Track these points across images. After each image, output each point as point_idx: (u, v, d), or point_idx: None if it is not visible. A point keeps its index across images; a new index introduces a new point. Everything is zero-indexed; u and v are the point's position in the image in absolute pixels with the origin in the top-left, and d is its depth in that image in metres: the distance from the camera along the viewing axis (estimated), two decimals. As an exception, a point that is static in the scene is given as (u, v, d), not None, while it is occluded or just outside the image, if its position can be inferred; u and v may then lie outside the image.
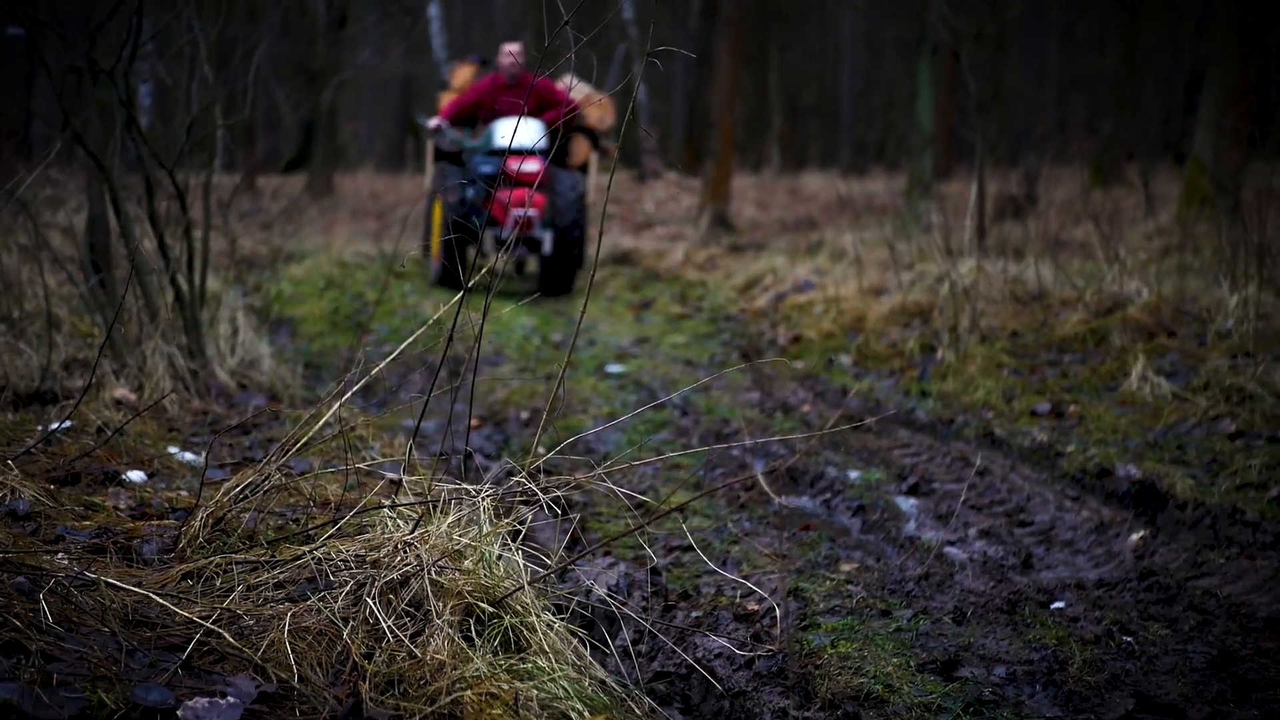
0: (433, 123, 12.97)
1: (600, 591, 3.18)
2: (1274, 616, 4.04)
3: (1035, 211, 13.17)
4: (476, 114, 12.96)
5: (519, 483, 3.21)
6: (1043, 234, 11.33)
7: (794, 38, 34.61)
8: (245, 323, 7.89)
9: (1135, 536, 4.92)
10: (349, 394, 4.66)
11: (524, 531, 4.94)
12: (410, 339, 4.06)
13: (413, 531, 3.26)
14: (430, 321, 6.03)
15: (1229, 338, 7.57)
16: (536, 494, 3.19)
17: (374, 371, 4.84)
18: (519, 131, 10.93)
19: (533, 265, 14.26)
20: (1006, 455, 6.31)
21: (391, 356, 4.20)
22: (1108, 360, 7.62)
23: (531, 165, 11.58)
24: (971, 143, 12.09)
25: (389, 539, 3.21)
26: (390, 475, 4.48)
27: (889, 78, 30.29)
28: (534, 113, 12.61)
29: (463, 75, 14.60)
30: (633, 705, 2.93)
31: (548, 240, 11.96)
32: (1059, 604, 4.19)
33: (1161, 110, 21.05)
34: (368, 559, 3.17)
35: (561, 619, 3.07)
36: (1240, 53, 13.53)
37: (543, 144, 11.53)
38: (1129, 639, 3.85)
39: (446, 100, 13.59)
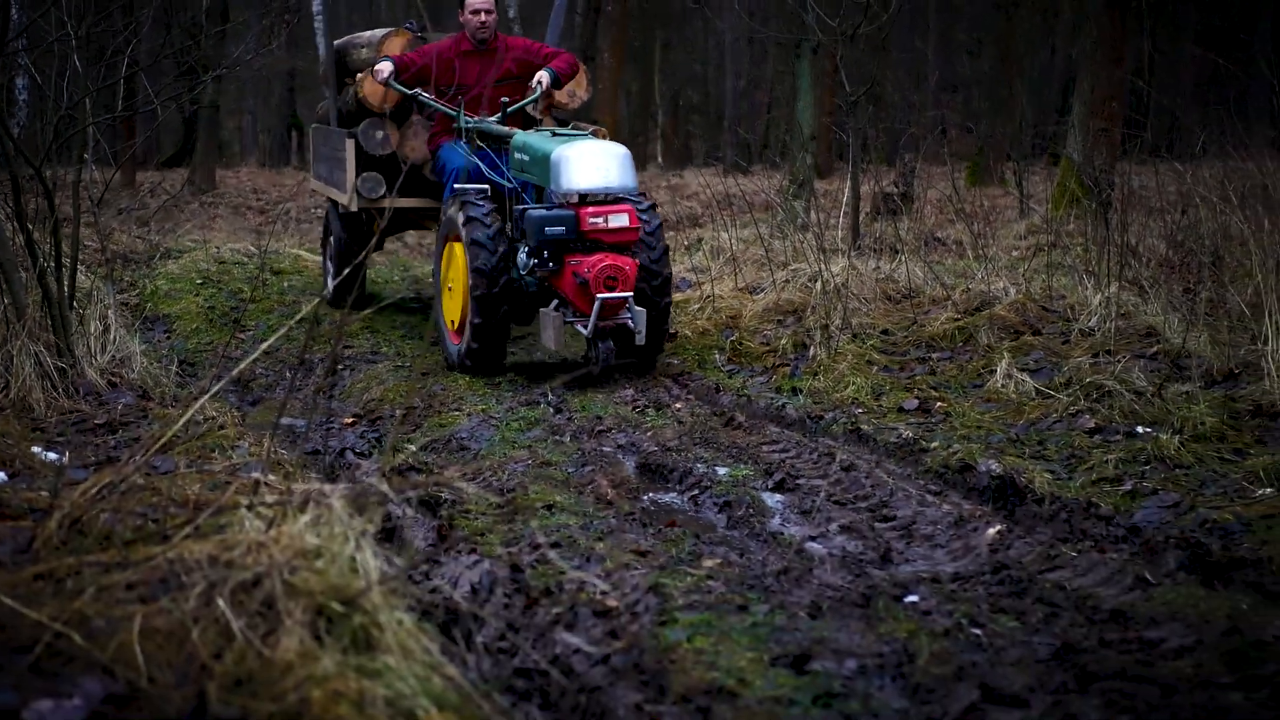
0: (383, 68, 9.30)
1: (449, 591, 3.20)
2: (1119, 608, 4.15)
3: (910, 210, 13.34)
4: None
5: (373, 483, 3.23)
6: (916, 232, 11.48)
7: (678, 37, 34.76)
8: (117, 320, 7.83)
9: (992, 531, 5.02)
10: (211, 392, 4.65)
11: (394, 530, 4.97)
12: (275, 336, 4.06)
13: (267, 531, 3.28)
14: (299, 318, 6.01)
15: (1092, 335, 7.73)
16: (389, 495, 3.21)
17: (238, 369, 4.83)
18: (600, 157, 8.07)
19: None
20: (873, 451, 6.41)
21: (253, 355, 4.21)
22: (975, 358, 7.75)
23: (622, 219, 8.00)
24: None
25: (243, 539, 3.22)
26: (254, 474, 4.47)
27: (771, 77, 30.50)
28: (511, 85, 9.58)
29: (393, 48, 10.00)
30: (482, 703, 2.96)
31: (642, 322, 7.89)
32: (913, 597, 4.27)
33: (1037, 112, 21.38)
34: (221, 559, 3.17)
35: (414, 617, 3.10)
36: (1110, 56, 13.78)
37: (626, 175, 8.14)
38: (978, 631, 3.94)
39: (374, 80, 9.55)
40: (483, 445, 6.75)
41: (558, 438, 6.78)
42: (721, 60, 37.38)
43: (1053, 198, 13.09)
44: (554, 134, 8.50)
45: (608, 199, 8.10)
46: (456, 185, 8.80)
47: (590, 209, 7.95)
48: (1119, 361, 6.93)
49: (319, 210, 19.83)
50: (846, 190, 12.18)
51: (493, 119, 9.24)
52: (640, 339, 7.90)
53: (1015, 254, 11.71)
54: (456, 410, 7.41)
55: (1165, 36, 27.17)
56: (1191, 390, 6.40)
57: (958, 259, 11.34)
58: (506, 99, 9.28)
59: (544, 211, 8.01)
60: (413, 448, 6.12)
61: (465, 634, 3.97)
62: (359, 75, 10.04)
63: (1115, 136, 13.04)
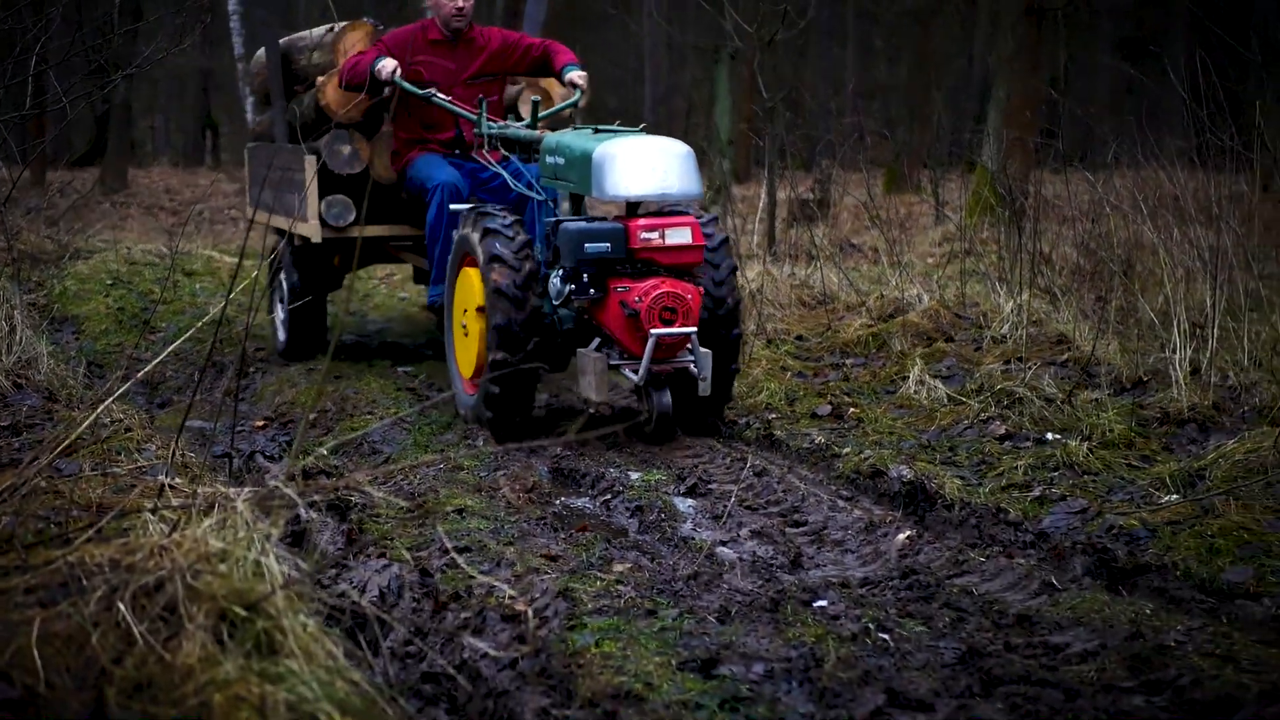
0: (388, 65, 7.85)
1: (357, 596, 3.18)
2: (1025, 613, 4.19)
3: (827, 216, 13.42)
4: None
5: (279, 486, 3.20)
6: (832, 239, 11.53)
7: (597, 42, 34.76)
8: (24, 321, 7.71)
9: (902, 536, 5.05)
10: (117, 394, 4.60)
11: (302, 534, 4.93)
12: (182, 338, 4.02)
13: (170, 535, 3.24)
14: (207, 319, 5.94)
15: (1003, 343, 7.80)
16: (296, 499, 3.18)
17: (144, 371, 4.78)
18: (656, 157, 6.51)
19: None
20: (785, 456, 6.43)
21: (160, 357, 4.17)
22: (888, 364, 7.80)
23: (683, 233, 6.51)
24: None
25: (145, 543, 3.18)
26: (159, 477, 4.42)
27: (690, 83, 30.59)
28: (487, 83, 8.25)
29: (354, 42, 8.54)
30: (386, 707, 2.94)
31: (707, 366, 6.39)
32: (822, 602, 4.29)
33: (953, 120, 21.56)
34: (123, 563, 3.13)
35: (319, 621, 3.07)
36: (1026, 66, 13.92)
37: (688, 179, 6.58)
38: (885, 636, 3.96)
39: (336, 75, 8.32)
40: (394, 449, 6.72)
41: (470, 442, 6.75)
42: (640, 66, 37.44)
43: (967, 205, 13.19)
44: (596, 130, 6.94)
45: (664, 209, 6.80)
46: (452, 206, 7.53)
47: (643, 221, 6.46)
48: (1030, 368, 6.99)
49: (234, 212, 19.68)
50: (763, 196, 12.22)
51: (519, 124, 7.77)
52: (705, 387, 6.37)
53: (930, 261, 11.80)
54: (369, 414, 7.36)
55: (1081, 47, 27.45)
56: (1101, 398, 6.46)
57: (873, 265, 11.40)
58: (537, 98, 7.75)
59: (584, 224, 6.51)
60: (323, 451, 6.07)
61: (372, 639, 3.94)
62: (320, 80, 8.45)
63: (1030, 145, 13.16)
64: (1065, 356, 7.31)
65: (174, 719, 2.60)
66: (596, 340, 6.55)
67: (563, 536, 5.16)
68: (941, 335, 8.17)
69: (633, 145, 6.52)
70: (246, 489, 3.36)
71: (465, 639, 3.95)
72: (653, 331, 6.20)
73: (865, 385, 7.51)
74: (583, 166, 6.58)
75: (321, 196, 8.35)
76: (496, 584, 4.21)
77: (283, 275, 9.25)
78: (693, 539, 5.12)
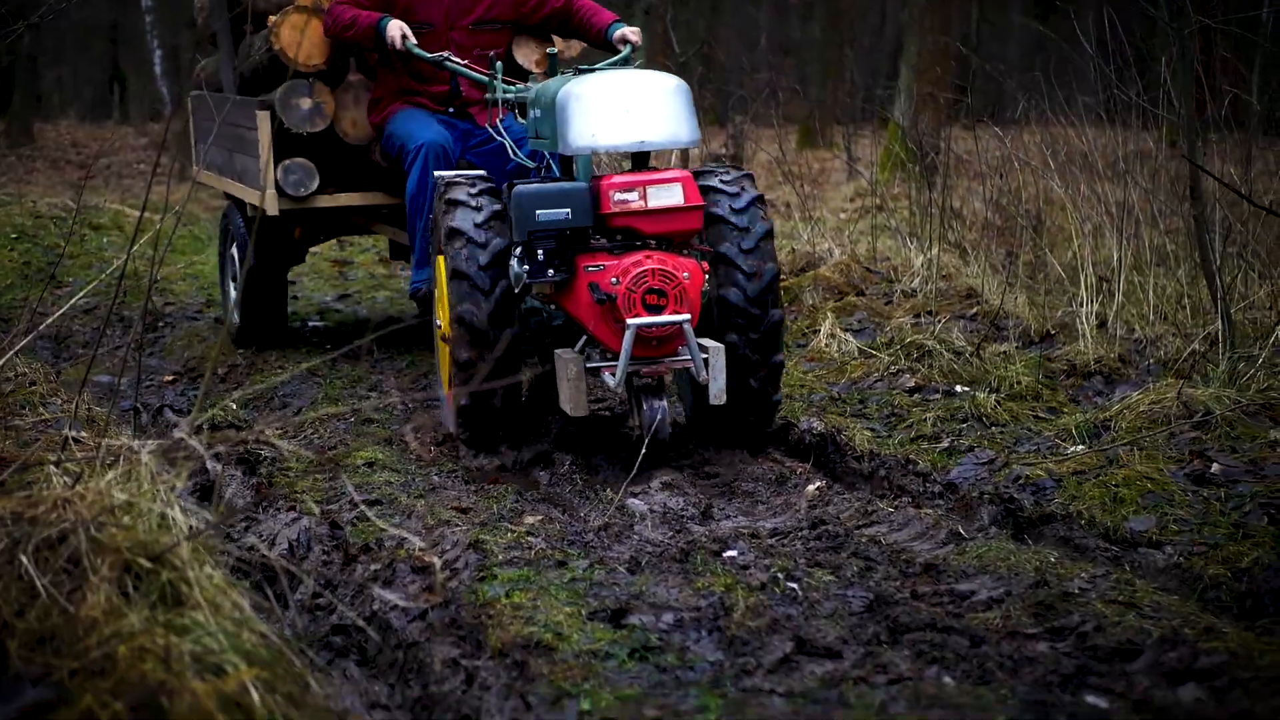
0: (396, 26, 6.59)
1: (266, 549, 3.16)
2: (931, 562, 4.23)
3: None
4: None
5: (184, 439, 3.17)
6: (745, 194, 11.53)
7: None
8: (-75, 275, 7.60)
9: (812, 487, 5.08)
10: (19, 346, 4.54)
11: (211, 487, 4.89)
12: (86, 289, 3.96)
13: (74, 487, 3.21)
14: (111, 270, 5.86)
15: (914, 297, 7.85)
16: (202, 451, 3.15)
17: (46, 323, 4.72)
18: (631, 95, 5.41)
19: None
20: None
21: (63, 309, 4.12)
22: (800, 318, 7.83)
23: (671, 193, 5.31)
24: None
25: (48, 495, 3.15)
26: (65, 431, 4.37)
27: (605, 37, 30.53)
28: (494, 33, 6.95)
29: None
30: (294, 658, 2.94)
31: (716, 368, 5.24)
32: (731, 552, 4.31)
33: (866, 76, 21.63)
34: (26, 516, 3.10)
35: (225, 574, 3.05)
36: (938, 23, 13.98)
37: (678, 122, 5.47)
38: (794, 585, 3.98)
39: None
40: (304, 402, 6.67)
41: (381, 393, 6.73)
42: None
43: (879, 161, 13.26)
44: (579, 70, 5.66)
45: (645, 155, 5.57)
46: (438, 173, 5.97)
47: (617, 179, 5.30)
48: (939, 322, 7.04)
49: (142, 165, 19.43)
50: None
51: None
52: (718, 393, 5.20)
53: (842, 216, 11.85)
54: (280, 367, 7.31)
55: (992, 5, 27.60)
56: (1009, 350, 6.52)
57: (786, 220, 11.44)
58: (553, 50, 6.40)
59: (537, 186, 5.31)
60: (231, 404, 6.02)
61: (281, 592, 3.93)
62: (274, 19, 7.06)
63: (941, 102, 13.22)
64: (974, 310, 7.37)
65: (77, 671, 2.58)
66: (583, 339, 5.39)
67: (473, 489, 5.15)
68: (853, 289, 8.21)
69: (602, 82, 5.39)
70: (152, 441, 3.33)
71: (375, 591, 3.94)
72: (630, 322, 5.03)
73: (777, 339, 7.54)
74: (551, 115, 5.49)
75: (278, 160, 7.06)
76: (407, 536, 4.20)
77: (234, 248, 8.09)
78: (604, 491, 5.13)
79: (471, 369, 5.36)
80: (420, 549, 4.18)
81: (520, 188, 5.33)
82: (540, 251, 5.26)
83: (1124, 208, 7.55)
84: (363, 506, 4.67)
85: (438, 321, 5.83)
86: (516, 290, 5.38)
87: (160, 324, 8.93)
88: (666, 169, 5.63)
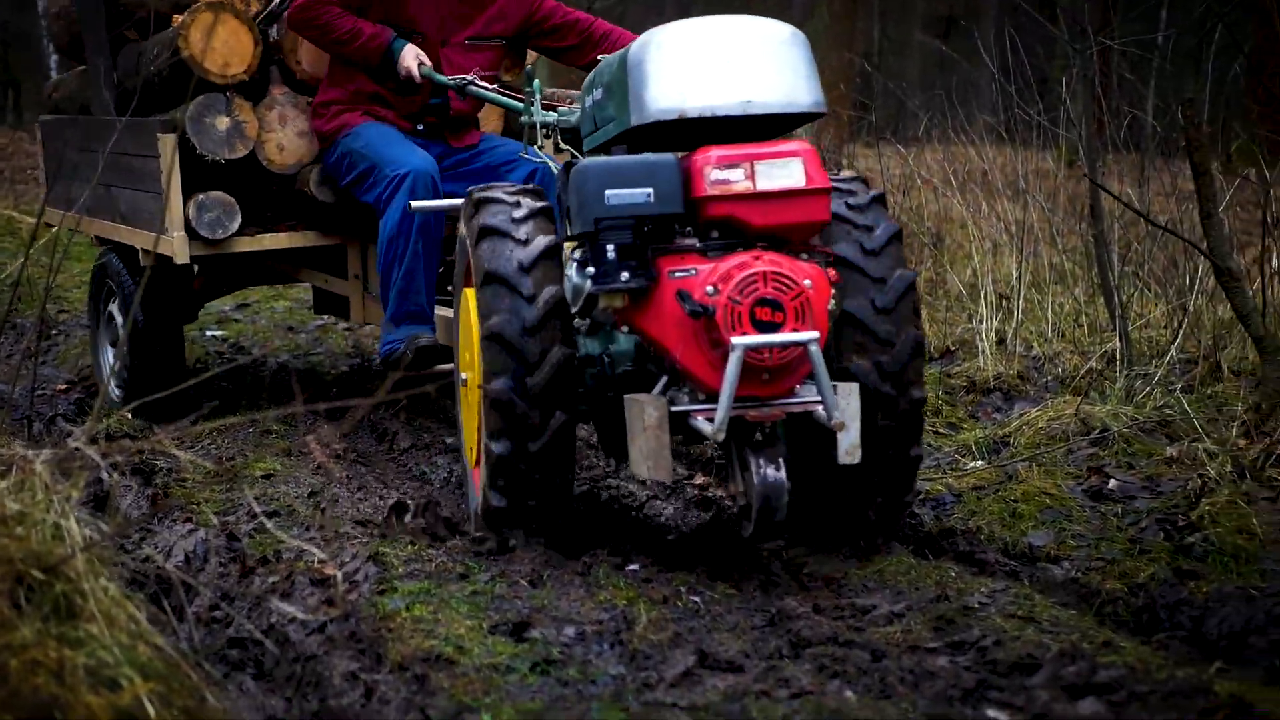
0: (411, 53, 5.64)
1: (162, 560, 3.12)
2: (833, 576, 4.24)
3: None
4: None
5: (78, 449, 3.12)
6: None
7: None
8: None
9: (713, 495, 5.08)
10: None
11: (105, 498, 4.82)
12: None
13: (-36, 497, 3.14)
14: (4, 276, 5.77)
15: (816, 311, 7.87)
16: (98, 461, 3.10)
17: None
18: (730, 45, 4.16)
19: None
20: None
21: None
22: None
23: (789, 170, 3.99)
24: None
25: (-62, 504, 3.08)
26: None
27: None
28: (494, 51, 5.92)
29: None
30: (190, 671, 2.89)
31: (852, 408, 3.93)
32: (634, 566, 4.29)
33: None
34: (-86, 525, 3.03)
35: (121, 586, 3.00)
36: (840, 40, 14.09)
37: (794, 80, 4.19)
38: (696, 599, 3.98)
39: None
40: (204, 408, 6.56)
41: (287, 402, 6.66)
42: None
43: (782, 177, 13.31)
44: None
45: (752, 126, 4.14)
46: (415, 204, 5.29)
47: (715, 153, 3.98)
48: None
49: (35, 172, 19.15)
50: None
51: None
52: (850, 448, 3.92)
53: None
54: (190, 371, 7.20)
55: (894, 23, 27.87)
56: (909, 366, 6.56)
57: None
58: (530, 68, 5.66)
59: (607, 161, 4.08)
60: (128, 414, 5.92)
61: (178, 604, 3.87)
62: (181, 19, 5.87)
63: (843, 118, 13.32)
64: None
65: (-33, 684, 2.53)
66: (664, 378, 4.11)
67: (375, 500, 5.11)
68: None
69: (693, 28, 4.19)
70: (46, 450, 3.27)
71: (273, 603, 3.89)
72: (736, 341, 3.76)
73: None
74: (621, 82, 4.21)
75: (188, 195, 5.83)
76: (306, 548, 4.15)
77: (114, 307, 6.59)
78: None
79: (508, 465, 4.16)
80: (320, 561, 4.13)
81: (586, 162, 4.12)
82: (611, 249, 3.94)
83: (1023, 226, 7.63)
84: (262, 517, 4.62)
85: (463, 376, 4.66)
86: (576, 309, 4.25)
87: (54, 332, 8.78)
88: (780, 140, 4.18)
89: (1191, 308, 6.42)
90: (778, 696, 3.30)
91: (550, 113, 5.03)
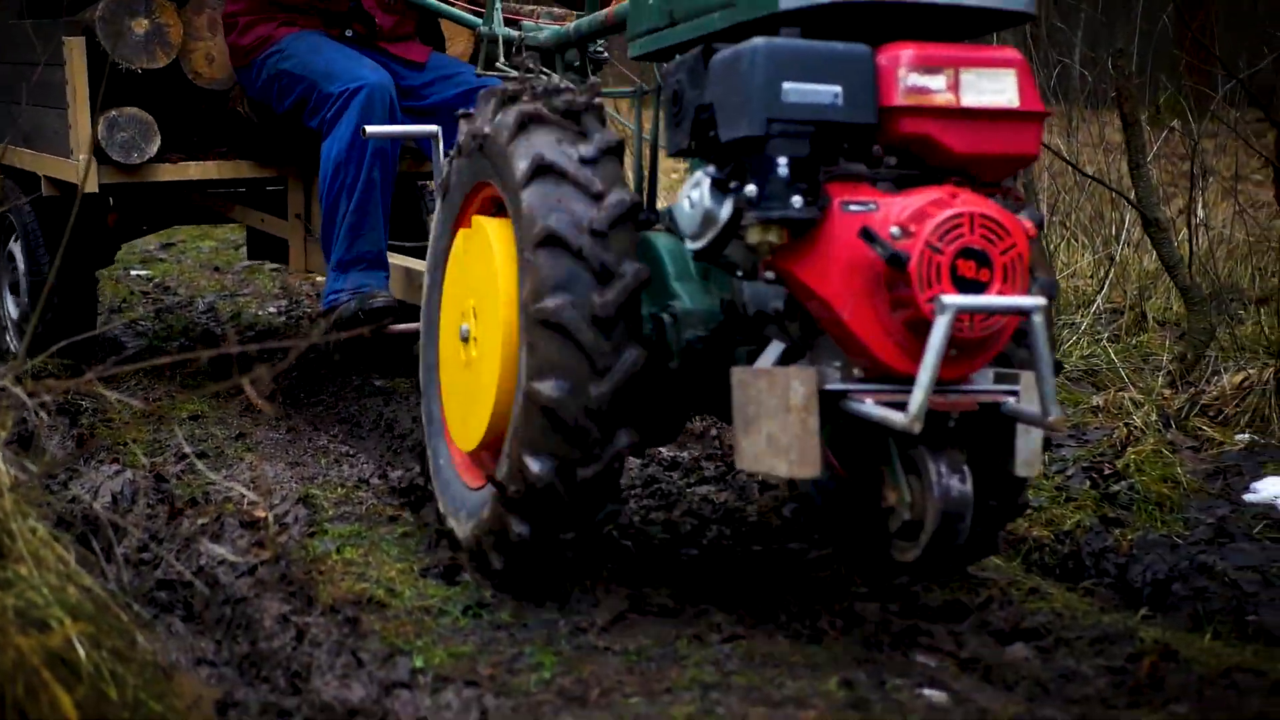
0: None
1: (89, 501, 3.08)
2: (764, 521, 4.26)
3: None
4: None
5: (4, 387, 3.08)
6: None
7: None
8: None
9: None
10: None
11: (30, 437, 4.76)
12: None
13: (-113, 435, 3.10)
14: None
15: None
16: (24, 399, 3.06)
17: None
18: None
19: None
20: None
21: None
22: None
23: (1002, 87, 3.03)
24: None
25: None
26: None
27: None
28: None
29: None
30: (121, 612, 2.87)
31: (1049, 397, 2.95)
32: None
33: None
34: None
35: (48, 527, 2.97)
36: None
37: None
38: (628, 543, 3.99)
39: None
40: (131, 348, 6.50)
41: (208, 344, 6.60)
42: None
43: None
44: None
45: (942, 22, 3.20)
46: (371, 129, 4.52)
47: (913, 51, 3.06)
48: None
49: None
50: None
51: (555, 25, 4.47)
52: (1029, 459, 3.14)
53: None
54: (115, 311, 7.13)
55: None
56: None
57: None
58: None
59: (785, 42, 3.04)
60: (52, 350, 5.84)
61: (106, 545, 3.84)
62: None
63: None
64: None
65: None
66: (778, 346, 3.20)
67: (304, 442, 5.07)
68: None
69: None
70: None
71: (203, 545, 3.87)
72: (947, 301, 2.85)
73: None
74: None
75: (98, 112, 5.02)
76: (235, 488, 4.12)
77: (16, 246, 5.75)
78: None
79: (557, 452, 3.22)
80: (249, 503, 4.11)
81: (754, 43, 3.00)
82: (784, 162, 2.97)
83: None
84: (193, 457, 4.57)
85: (463, 333, 3.64)
86: (697, 245, 3.19)
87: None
88: (985, 45, 3.36)
89: (1118, 258, 6.47)
90: (710, 641, 3.31)
91: (512, 29, 4.42)
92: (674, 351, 3.32)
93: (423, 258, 4.11)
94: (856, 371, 3.08)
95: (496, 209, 3.60)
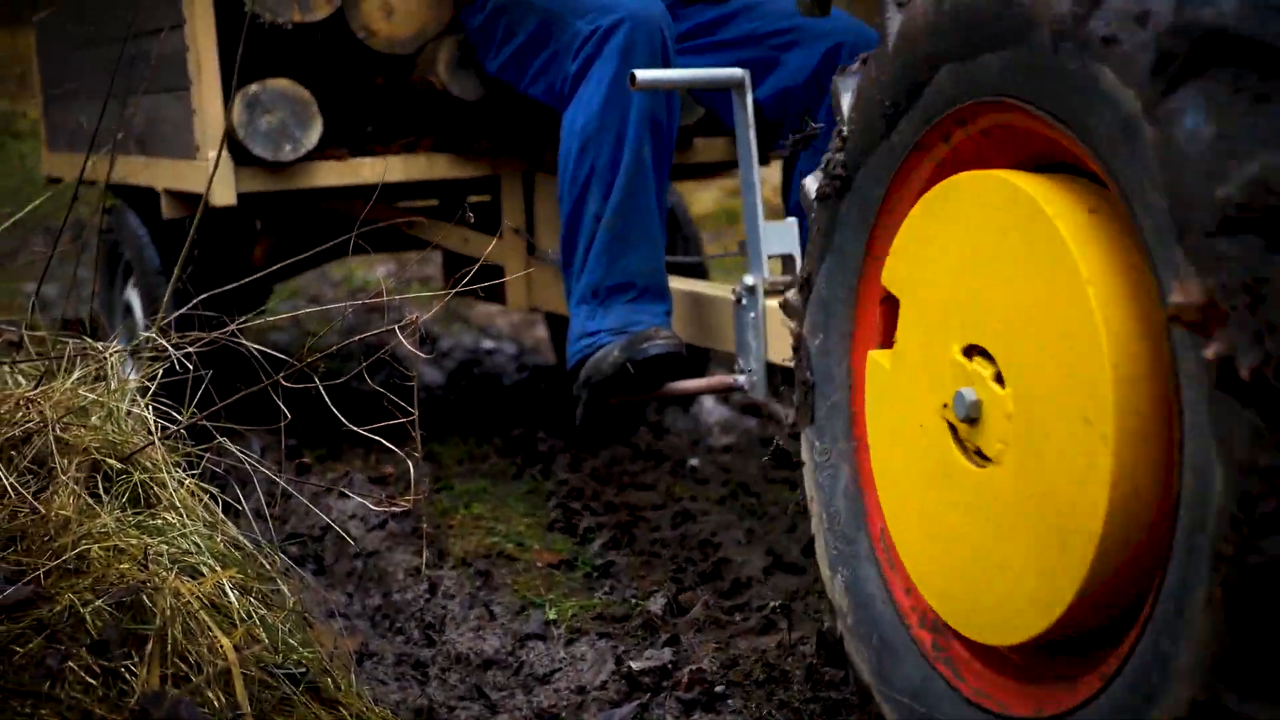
0: None
1: (230, 447, 3.11)
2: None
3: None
4: None
5: (150, 339, 3.13)
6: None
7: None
8: None
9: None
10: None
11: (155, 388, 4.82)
12: (31, 205, 3.87)
13: (35, 388, 3.15)
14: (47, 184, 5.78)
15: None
16: (169, 350, 3.10)
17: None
18: None
19: None
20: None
21: (12, 219, 4.02)
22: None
23: None
24: None
25: (11, 395, 3.09)
26: (21, 329, 4.29)
27: None
28: None
29: None
30: (264, 562, 2.91)
31: None
32: (694, 461, 4.28)
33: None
34: (-13, 416, 3.05)
35: (191, 477, 3.01)
36: None
37: None
38: (753, 499, 3.98)
39: None
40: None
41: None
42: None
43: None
44: None
45: None
46: (641, 73, 3.02)
47: None
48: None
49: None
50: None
51: None
52: None
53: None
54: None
55: None
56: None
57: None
58: None
59: None
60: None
61: (235, 498, 3.89)
62: None
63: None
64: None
65: (52, 570, 2.55)
66: None
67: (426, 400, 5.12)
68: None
69: None
70: (115, 341, 3.28)
71: (333, 500, 3.92)
72: None
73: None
74: None
75: (234, 88, 3.25)
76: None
77: (131, 293, 4.50)
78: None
79: None
80: (376, 460, 4.16)
81: None
82: None
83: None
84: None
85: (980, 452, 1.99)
86: None
87: (84, 233, 8.77)
88: None
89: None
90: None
91: None
92: None
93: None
94: None
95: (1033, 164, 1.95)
